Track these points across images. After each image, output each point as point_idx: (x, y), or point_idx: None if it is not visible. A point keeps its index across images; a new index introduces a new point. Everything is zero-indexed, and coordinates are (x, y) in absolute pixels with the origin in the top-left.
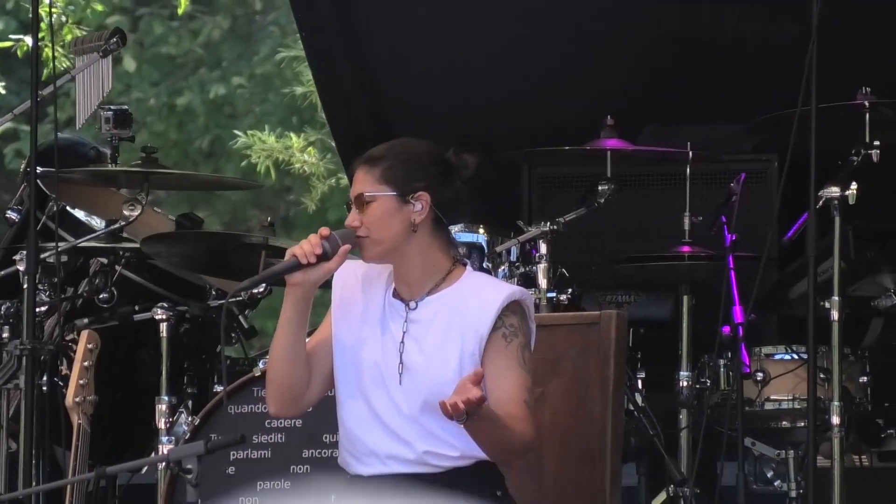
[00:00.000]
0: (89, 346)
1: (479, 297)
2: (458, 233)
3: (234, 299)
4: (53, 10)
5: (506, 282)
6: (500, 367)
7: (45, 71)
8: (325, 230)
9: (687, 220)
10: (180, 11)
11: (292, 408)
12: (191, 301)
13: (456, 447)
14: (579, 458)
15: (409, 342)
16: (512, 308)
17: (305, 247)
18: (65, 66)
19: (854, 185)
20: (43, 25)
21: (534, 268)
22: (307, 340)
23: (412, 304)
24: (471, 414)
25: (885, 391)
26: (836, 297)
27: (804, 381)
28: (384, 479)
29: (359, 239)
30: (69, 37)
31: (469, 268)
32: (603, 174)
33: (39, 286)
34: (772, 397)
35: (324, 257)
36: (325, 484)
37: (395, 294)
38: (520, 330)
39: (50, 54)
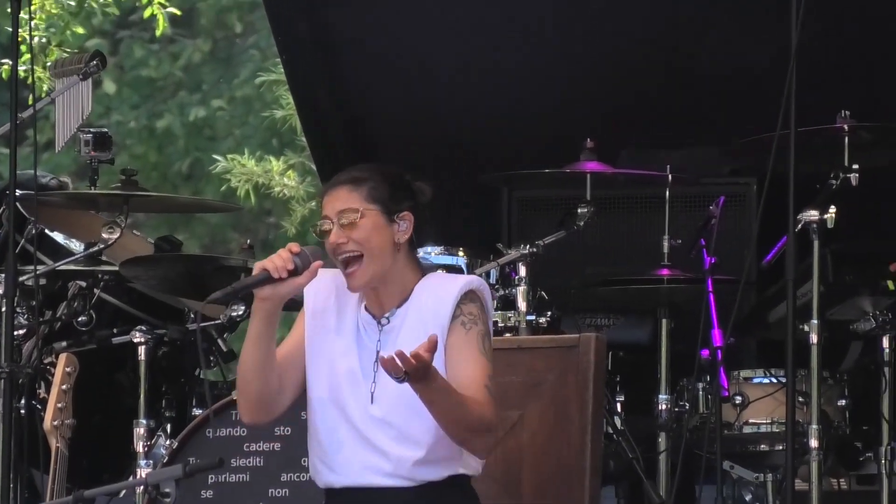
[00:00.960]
0: (67, 369)
1: (437, 291)
2: (439, 255)
3: (208, 321)
4: (35, 32)
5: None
6: (460, 354)
7: (30, 95)
8: (294, 246)
9: (666, 243)
10: (158, 33)
11: (266, 415)
12: (169, 324)
13: (428, 448)
14: (558, 480)
15: (384, 354)
16: (469, 297)
17: (277, 261)
18: (46, 88)
19: (833, 209)
20: (24, 48)
21: (513, 290)
22: (281, 350)
23: (384, 320)
24: (412, 375)
25: (863, 415)
26: (814, 321)
27: (783, 405)
28: (358, 496)
29: (351, 267)
30: (53, 58)
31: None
32: (582, 197)
33: (18, 309)
34: (750, 421)
35: (294, 273)
36: None
37: (366, 310)
38: (479, 318)
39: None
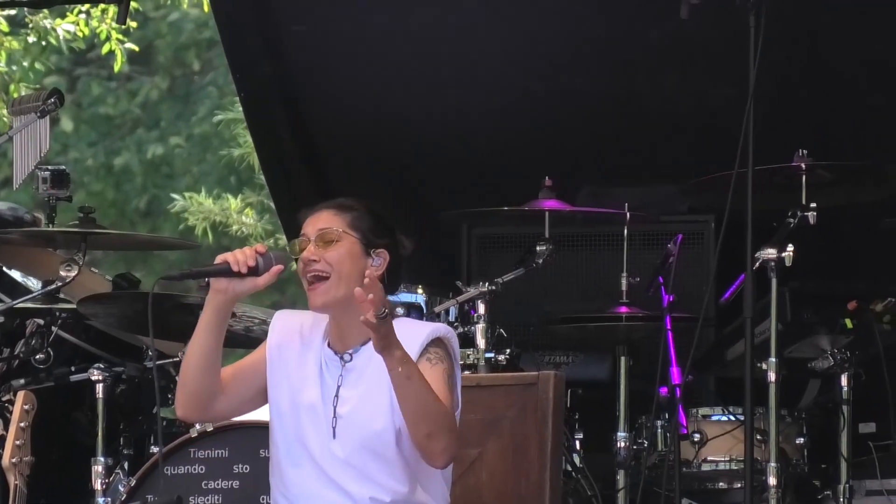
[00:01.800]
0: (25, 406)
1: (405, 334)
2: (398, 293)
3: (165, 358)
4: None
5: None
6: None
7: None
8: (261, 247)
9: (624, 281)
10: (116, 69)
11: (199, 414)
12: (127, 362)
13: (388, 491)
14: None
15: (345, 391)
16: (436, 343)
17: (239, 255)
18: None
19: (791, 247)
20: None
21: (472, 328)
22: (236, 363)
23: (346, 357)
24: (376, 306)
25: (821, 453)
26: (773, 359)
27: (741, 443)
28: None
29: (316, 282)
30: (15, 95)
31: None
32: (541, 235)
33: None
34: (709, 458)
35: (254, 272)
36: None
37: (329, 346)
38: (444, 358)
39: None
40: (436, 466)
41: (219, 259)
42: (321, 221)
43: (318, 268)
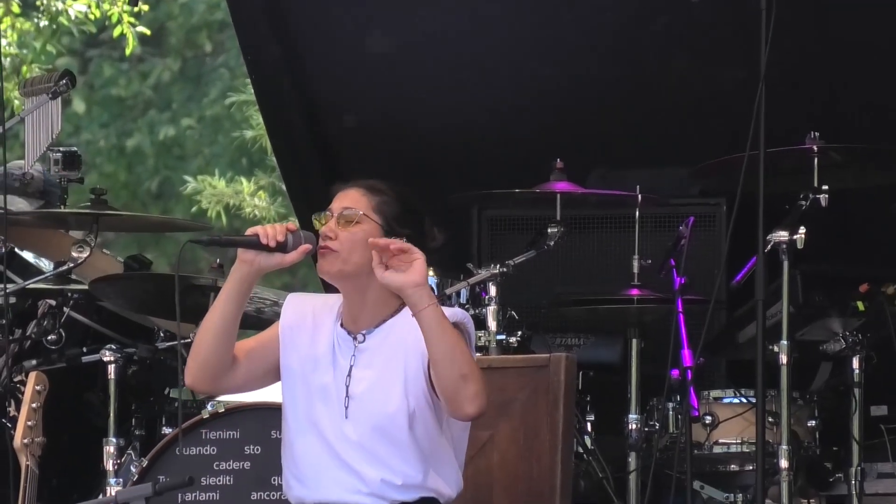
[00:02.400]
0: (37, 387)
1: None
2: None
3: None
4: (6, 51)
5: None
6: None
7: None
8: (292, 225)
9: (636, 263)
10: (128, 52)
11: (207, 384)
12: (139, 343)
13: (400, 474)
14: (529, 500)
15: (357, 372)
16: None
17: (269, 229)
18: (17, 105)
19: (803, 230)
20: None
21: (483, 310)
22: (249, 339)
23: (360, 337)
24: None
25: (833, 435)
26: (784, 341)
27: (753, 425)
28: None
29: (327, 250)
30: (25, 76)
31: None
32: (552, 217)
33: None
34: (720, 441)
35: (282, 247)
36: None
37: (343, 327)
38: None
39: (6, 95)
40: (466, 414)
41: (250, 231)
42: (347, 199)
43: (330, 244)
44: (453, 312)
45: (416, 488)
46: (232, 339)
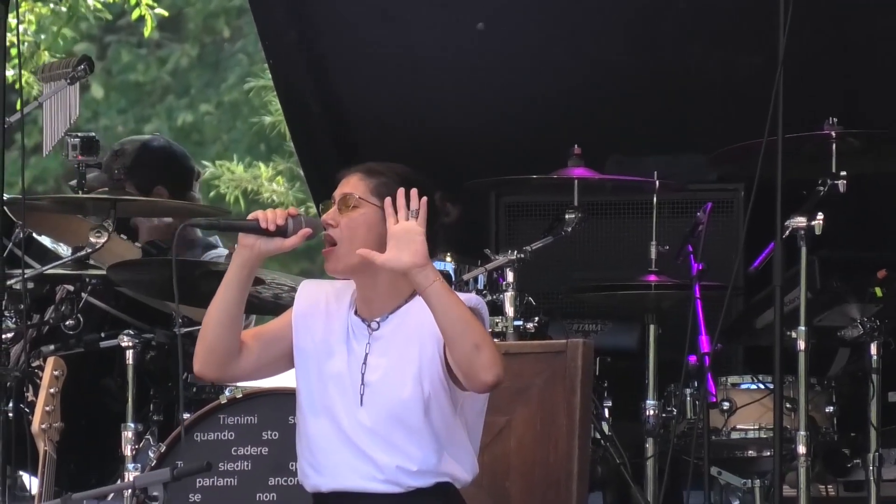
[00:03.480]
0: (55, 372)
1: None
2: None
3: (193, 325)
4: (24, 37)
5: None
6: None
7: (18, 100)
8: (294, 210)
9: (653, 249)
10: (147, 34)
11: (215, 371)
12: (157, 328)
13: (415, 460)
14: (545, 486)
15: (373, 359)
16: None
17: (269, 214)
18: (36, 91)
19: (820, 216)
20: (14, 52)
21: (501, 296)
22: (260, 326)
23: (374, 325)
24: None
25: (850, 421)
26: (802, 327)
27: (770, 411)
28: (345, 500)
29: (329, 252)
30: (42, 62)
31: None
32: (570, 203)
33: (6, 313)
34: (738, 427)
35: (282, 232)
36: None
37: (357, 314)
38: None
39: (22, 81)
40: (484, 383)
41: (250, 216)
42: (348, 185)
43: (331, 232)
44: (468, 298)
45: (431, 474)
46: (237, 324)
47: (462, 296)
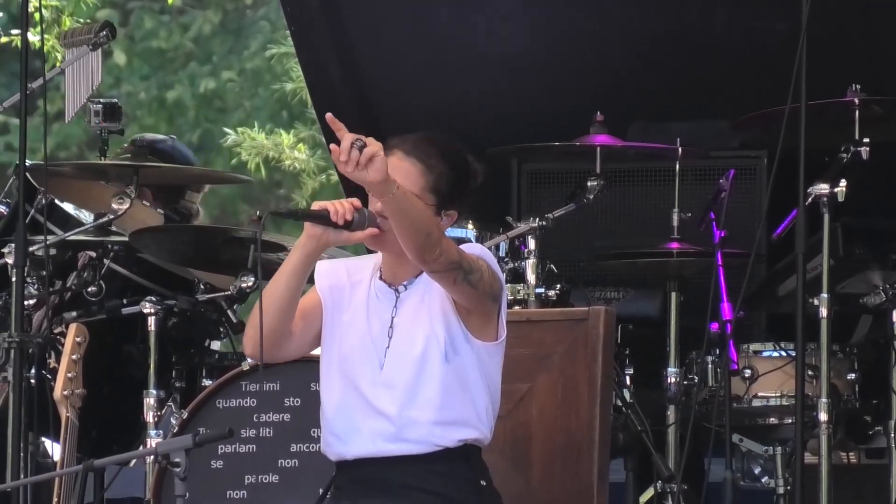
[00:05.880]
0: (77, 339)
1: None
2: (448, 228)
3: (219, 292)
4: (46, 2)
5: None
6: None
7: (45, 63)
8: (358, 202)
9: (676, 217)
10: (170, 2)
11: (267, 354)
12: (179, 295)
13: (432, 407)
14: (567, 453)
15: (399, 321)
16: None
17: (339, 207)
18: (60, 58)
19: (843, 183)
20: (37, 17)
21: (522, 263)
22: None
23: (401, 288)
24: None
25: (872, 388)
26: (824, 295)
27: (792, 378)
28: (368, 470)
29: (379, 229)
30: (65, 28)
31: None
32: (592, 170)
33: (28, 279)
34: (759, 394)
35: (348, 226)
36: (312, 478)
37: (382, 279)
38: (480, 259)
39: (46, 47)
40: (433, 261)
41: (318, 205)
42: (401, 172)
43: (383, 225)
44: (471, 246)
45: (453, 426)
46: (293, 309)
47: (465, 247)
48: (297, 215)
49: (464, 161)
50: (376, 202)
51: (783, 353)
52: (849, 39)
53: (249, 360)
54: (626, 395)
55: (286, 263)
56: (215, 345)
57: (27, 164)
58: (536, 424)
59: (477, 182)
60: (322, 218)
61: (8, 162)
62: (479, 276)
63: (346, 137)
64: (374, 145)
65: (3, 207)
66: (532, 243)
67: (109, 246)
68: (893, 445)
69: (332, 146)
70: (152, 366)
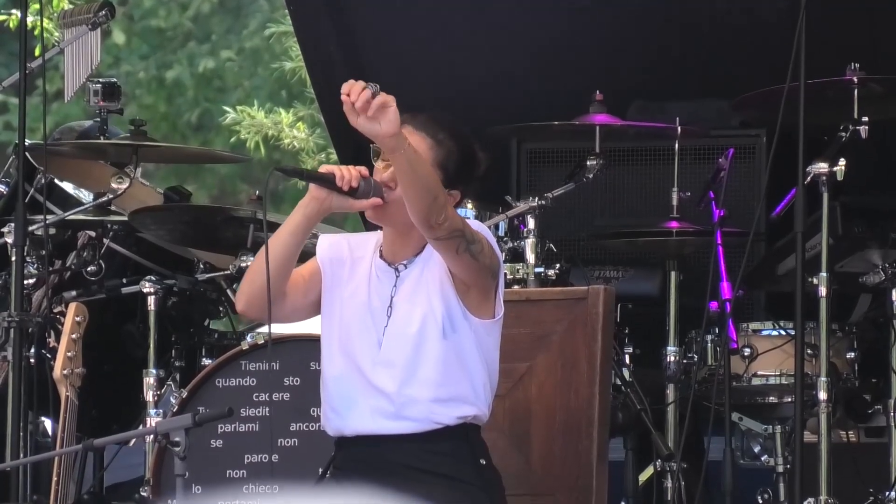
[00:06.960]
0: (77, 318)
1: None
2: None
3: (218, 271)
4: None
5: None
6: None
7: (38, 45)
8: (365, 171)
9: (675, 196)
10: None
11: (258, 312)
12: (178, 274)
13: (430, 384)
14: (566, 432)
15: (398, 300)
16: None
17: (345, 172)
18: (56, 38)
19: (842, 162)
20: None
21: (522, 243)
22: (296, 270)
23: (401, 266)
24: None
25: (872, 367)
26: (823, 273)
27: (791, 357)
28: (367, 447)
29: (382, 200)
30: (61, 7)
31: None
32: (591, 149)
33: (27, 258)
34: (759, 373)
35: (353, 192)
36: (312, 457)
37: (382, 258)
38: (477, 234)
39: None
40: (438, 226)
41: (326, 168)
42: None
43: (389, 196)
44: (469, 223)
45: (452, 402)
46: (289, 270)
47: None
48: (304, 175)
49: (471, 145)
50: (382, 173)
51: (782, 332)
52: (848, 18)
53: (248, 338)
54: (626, 373)
55: (286, 223)
56: (215, 324)
57: (27, 143)
58: (536, 403)
59: (481, 169)
60: (328, 181)
61: (7, 141)
62: (480, 248)
63: (358, 83)
64: (387, 97)
65: (3, 187)
66: (531, 222)
67: (109, 225)
68: (893, 424)
69: (344, 96)
70: (152, 345)
